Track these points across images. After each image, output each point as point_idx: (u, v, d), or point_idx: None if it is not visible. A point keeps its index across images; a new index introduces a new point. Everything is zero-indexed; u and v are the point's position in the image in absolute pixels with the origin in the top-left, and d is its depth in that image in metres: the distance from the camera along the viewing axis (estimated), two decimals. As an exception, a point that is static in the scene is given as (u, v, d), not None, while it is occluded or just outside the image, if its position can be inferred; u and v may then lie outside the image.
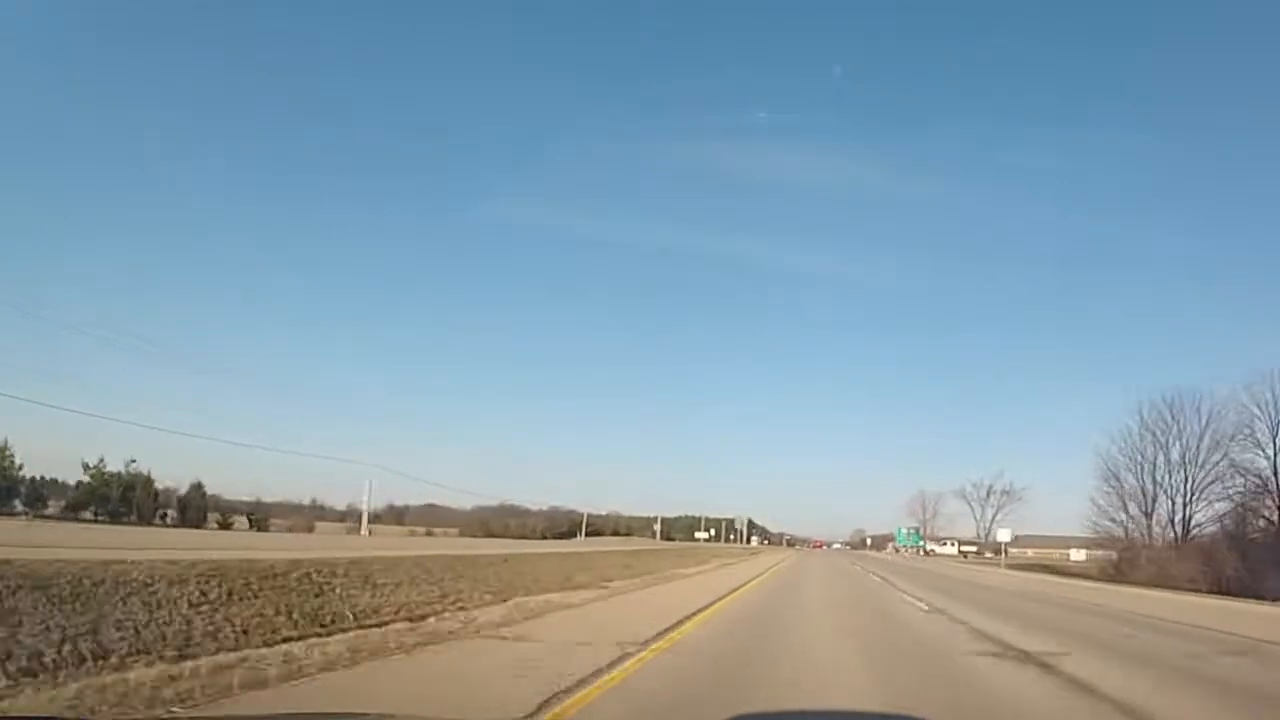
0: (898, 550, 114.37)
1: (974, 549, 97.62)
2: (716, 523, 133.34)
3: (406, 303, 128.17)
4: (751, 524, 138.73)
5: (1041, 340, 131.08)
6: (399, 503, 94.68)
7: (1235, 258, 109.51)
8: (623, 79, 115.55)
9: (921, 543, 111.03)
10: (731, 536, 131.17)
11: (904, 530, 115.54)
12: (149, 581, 8.66)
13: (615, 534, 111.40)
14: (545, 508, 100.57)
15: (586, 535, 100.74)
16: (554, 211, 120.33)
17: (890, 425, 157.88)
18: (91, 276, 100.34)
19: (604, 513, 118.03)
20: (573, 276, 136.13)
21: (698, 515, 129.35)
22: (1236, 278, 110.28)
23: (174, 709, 5.02)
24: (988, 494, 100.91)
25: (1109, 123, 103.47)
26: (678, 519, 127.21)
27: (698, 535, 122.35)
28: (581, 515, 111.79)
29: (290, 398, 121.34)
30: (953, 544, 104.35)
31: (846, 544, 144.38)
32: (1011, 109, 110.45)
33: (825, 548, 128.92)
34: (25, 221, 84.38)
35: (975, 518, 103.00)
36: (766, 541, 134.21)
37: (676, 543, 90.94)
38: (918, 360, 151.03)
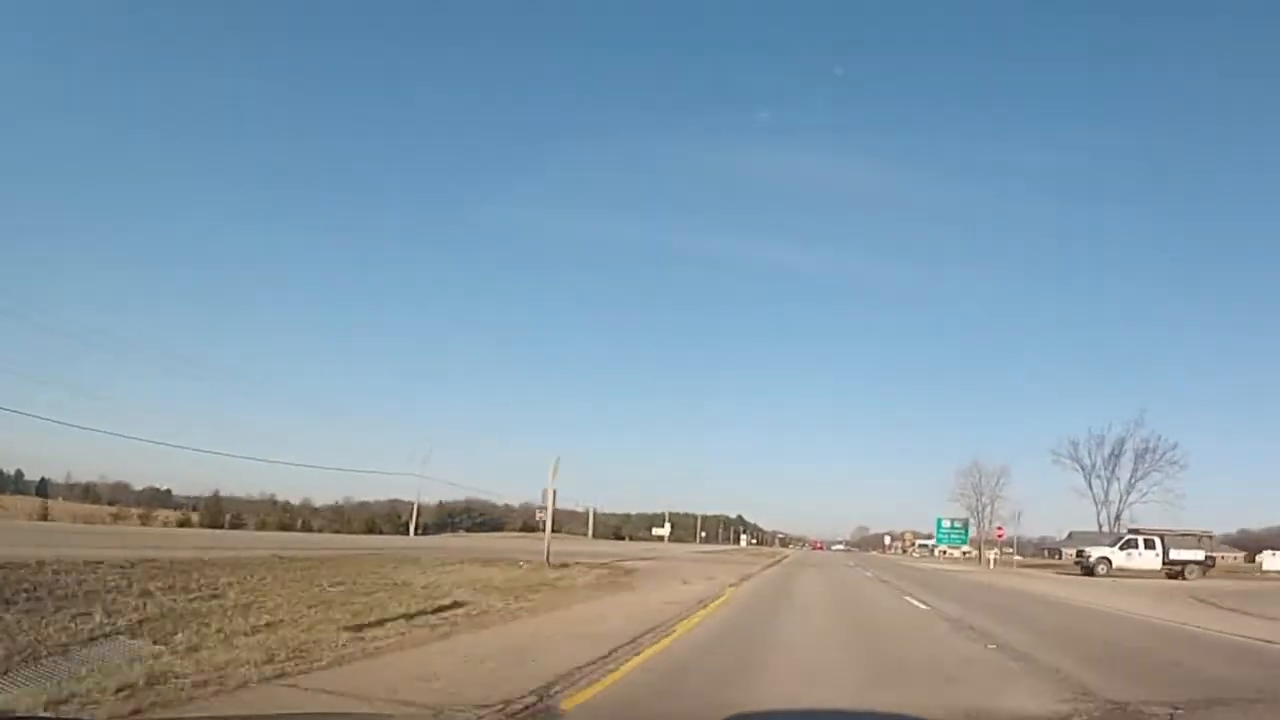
0: (905, 550, 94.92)
1: (1213, 560, 43.50)
2: (687, 519, 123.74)
3: (399, 302, 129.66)
4: (742, 521, 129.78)
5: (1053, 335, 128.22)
6: (358, 498, 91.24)
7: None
8: (625, 80, 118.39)
9: (964, 542, 70.87)
10: (707, 533, 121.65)
11: (946, 522, 70.21)
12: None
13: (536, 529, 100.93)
14: (516, 504, 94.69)
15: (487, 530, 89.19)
16: (553, 214, 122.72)
17: (893, 419, 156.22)
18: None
19: (580, 509, 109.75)
20: (573, 277, 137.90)
21: (687, 513, 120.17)
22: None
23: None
24: (1114, 457, 56.60)
25: (1109, 121, 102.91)
26: (656, 515, 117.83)
27: (656, 532, 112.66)
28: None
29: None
30: (1157, 545, 41.30)
31: (848, 544, 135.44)
32: (1012, 108, 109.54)
33: (826, 549, 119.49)
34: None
35: (1095, 499, 56.85)
36: (756, 541, 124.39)
37: (610, 543, 79.99)
38: (917, 355, 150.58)
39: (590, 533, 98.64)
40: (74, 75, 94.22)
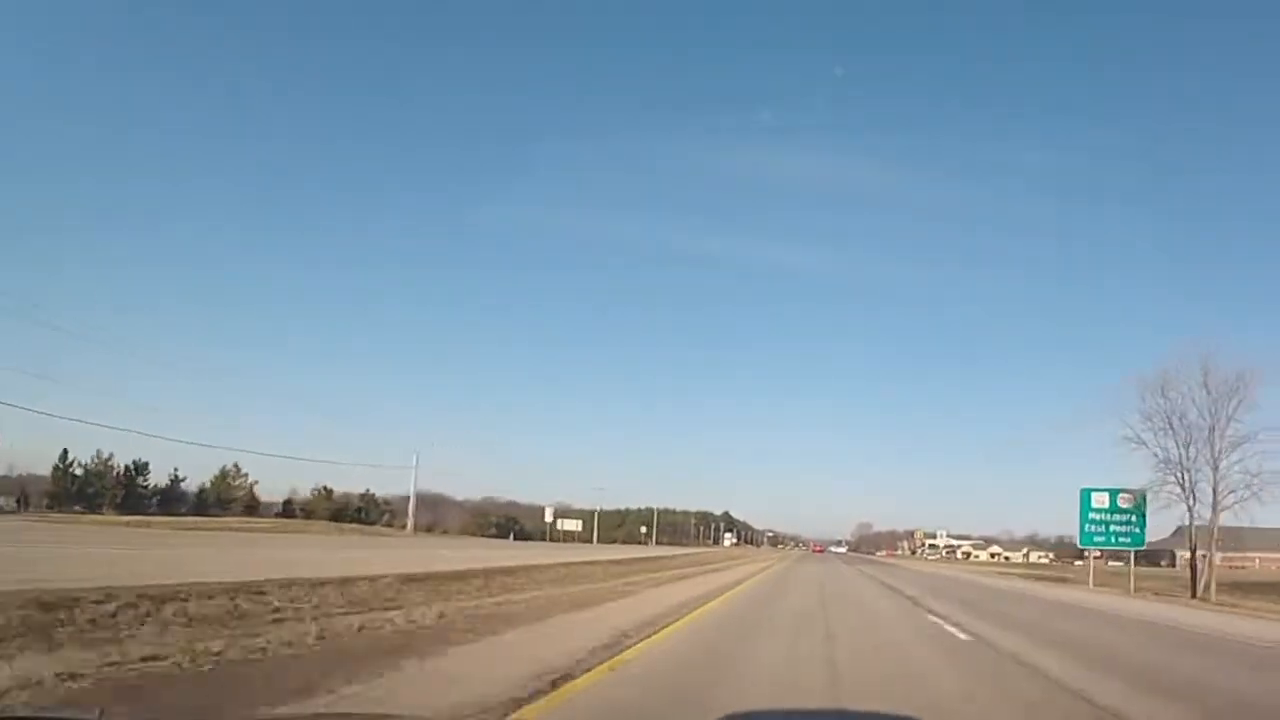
0: (914, 551, 78.46)
1: None
2: (664, 515, 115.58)
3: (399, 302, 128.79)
4: (729, 518, 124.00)
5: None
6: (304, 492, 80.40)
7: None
8: (625, 80, 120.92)
9: (1137, 542, 32.83)
10: (656, 533, 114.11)
11: (1099, 499, 33.19)
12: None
13: (446, 531, 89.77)
14: (477, 498, 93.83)
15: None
16: (553, 214, 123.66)
17: (894, 418, 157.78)
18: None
19: (550, 505, 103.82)
20: (572, 277, 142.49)
21: (654, 507, 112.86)
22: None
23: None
24: None
25: (1109, 121, 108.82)
26: (633, 512, 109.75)
27: (565, 527, 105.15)
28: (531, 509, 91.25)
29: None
30: None
31: (849, 544, 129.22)
32: (1012, 108, 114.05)
33: (825, 551, 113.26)
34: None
35: None
36: (738, 541, 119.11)
37: (448, 542, 57.78)
38: (917, 355, 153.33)
39: (410, 526, 73.65)
40: (74, 75, 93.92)
